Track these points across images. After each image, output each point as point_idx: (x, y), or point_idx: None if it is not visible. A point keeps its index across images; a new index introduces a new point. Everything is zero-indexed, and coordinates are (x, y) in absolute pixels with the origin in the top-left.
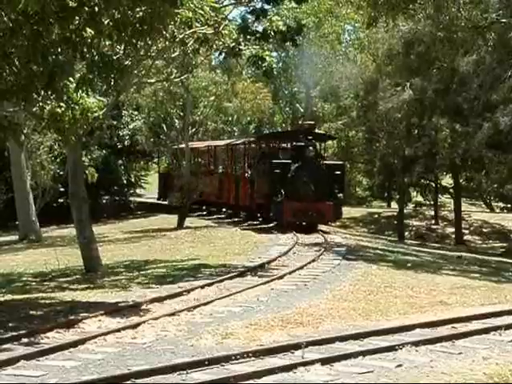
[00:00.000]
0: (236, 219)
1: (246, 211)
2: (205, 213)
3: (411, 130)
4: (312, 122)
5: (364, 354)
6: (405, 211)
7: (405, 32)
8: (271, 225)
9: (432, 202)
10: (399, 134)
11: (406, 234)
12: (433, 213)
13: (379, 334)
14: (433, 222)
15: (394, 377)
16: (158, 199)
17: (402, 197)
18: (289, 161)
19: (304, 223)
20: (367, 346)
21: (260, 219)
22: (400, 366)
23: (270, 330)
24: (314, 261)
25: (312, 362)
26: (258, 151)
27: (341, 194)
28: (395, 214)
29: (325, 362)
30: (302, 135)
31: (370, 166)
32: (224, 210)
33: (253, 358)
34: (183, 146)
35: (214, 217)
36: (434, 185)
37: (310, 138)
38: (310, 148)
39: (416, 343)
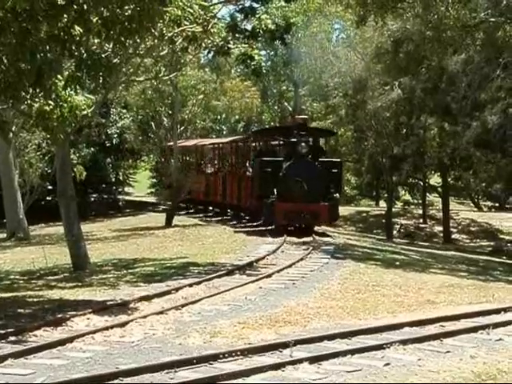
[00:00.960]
0: (225, 217)
1: (234, 211)
2: (192, 211)
3: (400, 128)
4: (305, 117)
5: (352, 352)
6: (393, 210)
7: (393, 31)
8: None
9: (420, 201)
10: (388, 132)
11: (395, 232)
12: (421, 211)
13: (367, 333)
14: (421, 220)
15: (382, 375)
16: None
17: (390, 195)
18: (281, 158)
19: (297, 226)
20: (355, 344)
21: (247, 217)
22: (388, 364)
23: (258, 328)
24: (302, 259)
25: (300, 361)
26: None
27: (337, 194)
28: (383, 212)
29: (313, 360)
30: (296, 130)
31: (358, 165)
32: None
33: (241, 357)
34: (193, 143)
35: (201, 215)
36: (422, 184)
37: (302, 133)
38: (303, 144)
39: (404, 342)
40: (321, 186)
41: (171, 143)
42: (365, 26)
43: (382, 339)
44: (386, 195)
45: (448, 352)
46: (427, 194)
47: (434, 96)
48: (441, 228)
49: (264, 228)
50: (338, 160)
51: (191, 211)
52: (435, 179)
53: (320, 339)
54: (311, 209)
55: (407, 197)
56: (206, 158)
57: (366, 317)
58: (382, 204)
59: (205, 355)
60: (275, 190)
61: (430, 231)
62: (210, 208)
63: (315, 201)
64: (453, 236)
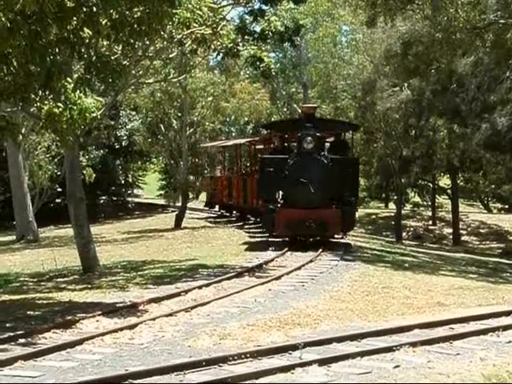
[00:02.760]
0: (233, 219)
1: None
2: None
3: (409, 130)
4: (313, 105)
5: (362, 354)
6: (402, 212)
7: (403, 32)
8: None
9: (429, 203)
10: (397, 134)
11: (404, 234)
12: (430, 213)
13: (377, 335)
14: (430, 222)
15: (392, 378)
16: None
17: (399, 197)
18: (285, 156)
19: (302, 237)
20: (365, 346)
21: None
22: (398, 366)
23: (267, 330)
24: (311, 261)
25: (310, 363)
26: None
27: (353, 198)
28: (393, 214)
29: (322, 362)
30: (309, 123)
31: (367, 167)
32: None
33: (250, 359)
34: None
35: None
36: (431, 186)
37: (308, 125)
38: (309, 138)
39: (414, 344)
40: (331, 187)
41: (208, 144)
42: (374, 27)
43: (392, 341)
44: (395, 197)
45: (458, 354)
46: (436, 196)
47: (444, 98)
48: (450, 230)
49: (267, 238)
50: (353, 158)
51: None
52: (444, 181)
53: (329, 341)
54: (318, 216)
55: (416, 199)
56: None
57: (376, 319)
58: (392, 206)
59: (214, 357)
60: (280, 193)
61: (439, 233)
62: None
63: (324, 206)
64: (462, 238)
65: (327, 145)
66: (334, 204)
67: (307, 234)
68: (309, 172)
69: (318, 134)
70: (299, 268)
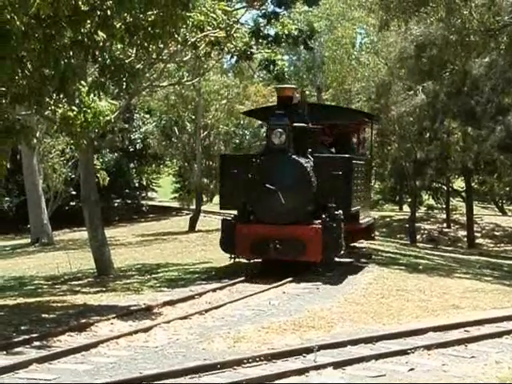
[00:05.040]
0: None
1: None
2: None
3: (423, 133)
4: (291, 86)
5: (376, 357)
6: (416, 214)
7: (417, 35)
8: None
9: (444, 206)
10: (411, 137)
11: (418, 237)
12: (445, 216)
13: (391, 338)
14: (445, 225)
15: (407, 381)
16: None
17: (413, 200)
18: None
19: (267, 261)
20: (379, 349)
21: None
22: (412, 369)
23: (281, 333)
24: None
25: (324, 366)
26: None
27: (339, 211)
28: (407, 217)
29: (337, 365)
30: (283, 110)
31: (381, 170)
32: None
33: (265, 362)
34: None
35: None
36: (445, 188)
37: (279, 112)
38: (279, 130)
39: (428, 347)
40: (312, 197)
41: None
42: (388, 30)
43: (406, 344)
44: (409, 200)
45: (472, 357)
46: (451, 199)
47: (458, 100)
48: (465, 232)
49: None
50: (345, 156)
51: None
52: (459, 183)
53: (344, 344)
54: (290, 234)
55: (431, 201)
56: None
57: (390, 322)
58: (406, 209)
59: (229, 360)
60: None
61: (453, 236)
62: None
63: (299, 221)
64: (477, 241)
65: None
66: (311, 217)
67: (271, 258)
68: (279, 176)
69: (301, 125)
70: (313, 271)
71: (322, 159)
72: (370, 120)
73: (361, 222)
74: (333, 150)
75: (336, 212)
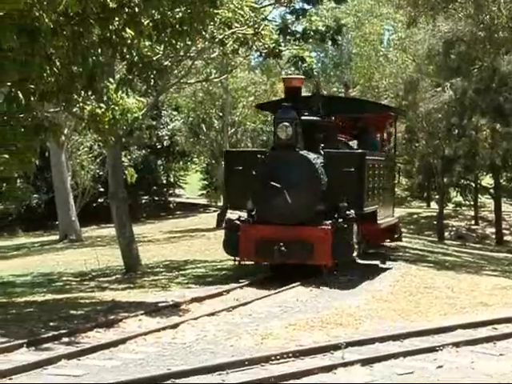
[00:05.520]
0: None
1: None
2: None
3: (451, 129)
4: (300, 77)
5: (404, 354)
6: (444, 211)
7: (445, 32)
8: None
9: (472, 203)
10: (439, 133)
11: (446, 234)
12: (473, 213)
13: (419, 335)
14: (473, 222)
15: (435, 378)
16: None
17: (441, 197)
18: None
19: (275, 264)
20: (407, 346)
21: None
22: (441, 367)
23: (309, 330)
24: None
25: (352, 363)
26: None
27: (351, 211)
28: (435, 214)
29: (365, 362)
30: (290, 102)
31: (409, 166)
32: None
33: (292, 359)
34: None
35: None
36: (473, 185)
37: (286, 104)
38: (285, 124)
39: (457, 344)
40: (321, 196)
41: None
42: (416, 27)
43: (435, 341)
44: (437, 197)
45: (501, 355)
46: (479, 196)
47: (486, 97)
48: (493, 230)
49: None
50: (357, 152)
51: None
52: (487, 180)
53: (372, 341)
54: (296, 236)
55: (459, 198)
56: None
57: (418, 319)
58: (434, 206)
59: (256, 357)
60: (248, 203)
61: (481, 233)
62: None
63: (308, 222)
64: (505, 238)
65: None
66: (321, 218)
67: (276, 262)
68: (285, 173)
69: (311, 118)
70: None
71: (334, 155)
72: (394, 114)
73: (379, 222)
74: (354, 146)
75: (348, 212)
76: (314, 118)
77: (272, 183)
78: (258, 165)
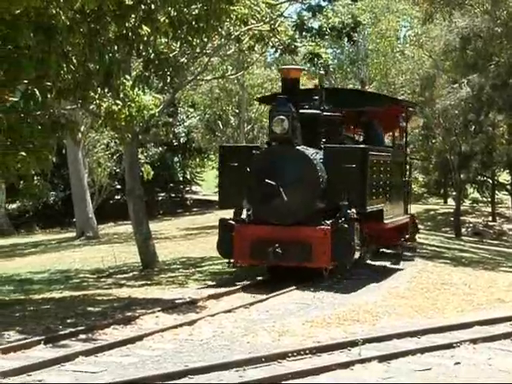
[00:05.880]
0: None
1: None
2: None
3: (468, 126)
4: (298, 67)
5: (422, 351)
6: (461, 208)
7: (461, 27)
8: None
9: (489, 199)
10: (456, 130)
11: (463, 230)
12: (490, 209)
13: (437, 332)
14: (490, 218)
15: (453, 374)
16: None
17: (458, 193)
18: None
19: (271, 266)
20: (425, 343)
21: None
22: (458, 363)
23: (326, 326)
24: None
25: (369, 360)
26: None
27: (352, 210)
28: (452, 210)
29: (382, 359)
30: (286, 94)
31: (426, 163)
32: None
33: (309, 356)
34: None
35: None
36: (490, 181)
37: (281, 97)
38: (280, 118)
39: (474, 341)
40: (320, 194)
41: None
42: (432, 23)
43: (452, 338)
44: (454, 193)
45: None
46: (496, 192)
47: (503, 93)
48: (510, 226)
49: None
50: (359, 147)
51: None
52: (504, 177)
53: (389, 338)
54: (292, 236)
55: (476, 195)
56: None
57: (435, 315)
58: (450, 202)
59: (274, 354)
60: (244, 202)
61: (499, 229)
62: None
63: (304, 221)
64: None
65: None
66: (319, 218)
67: (271, 264)
68: (281, 169)
69: (310, 111)
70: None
71: (334, 151)
72: (404, 107)
73: (386, 222)
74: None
75: (349, 211)
76: (315, 111)
77: (267, 180)
78: (253, 161)
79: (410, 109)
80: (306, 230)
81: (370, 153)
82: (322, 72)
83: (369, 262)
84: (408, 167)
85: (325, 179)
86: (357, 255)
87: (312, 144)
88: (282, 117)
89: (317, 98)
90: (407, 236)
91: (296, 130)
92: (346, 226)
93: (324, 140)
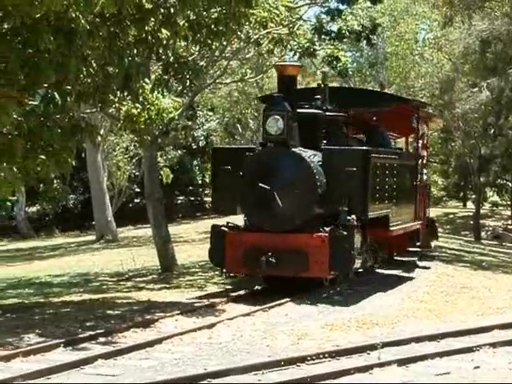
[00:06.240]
0: None
1: None
2: None
3: (488, 129)
4: (294, 64)
5: (441, 355)
6: (481, 211)
7: (481, 30)
8: None
9: (508, 202)
10: (475, 133)
11: (483, 234)
12: (509, 213)
13: (456, 335)
14: (509, 222)
15: (472, 378)
16: None
17: (478, 197)
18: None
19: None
20: (444, 347)
21: None
22: (477, 367)
23: (345, 330)
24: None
25: (388, 363)
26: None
27: (352, 216)
28: (471, 214)
29: (401, 362)
30: (283, 93)
31: (445, 166)
32: None
33: (329, 359)
34: None
35: None
36: (510, 184)
37: (278, 96)
38: (275, 118)
39: (494, 345)
40: (314, 198)
41: None
42: (451, 26)
43: (471, 342)
44: (473, 196)
45: None
46: None
47: None
48: None
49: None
50: (361, 149)
51: None
52: None
53: (408, 341)
54: (287, 244)
55: (495, 198)
56: None
57: (455, 319)
58: (470, 205)
59: (293, 357)
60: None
61: None
62: None
63: (300, 228)
64: None
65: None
66: (317, 225)
67: (264, 274)
68: (276, 173)
69: (309, 111)
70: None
71: (333, 153)
72: (415, 108)
73: (392, 229)
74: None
75: (348, 217)
76: (315, 110)
77: (260, 184)
78: (246, 163)
79: (424, 109)
80: (303, 238)
81: (373, 155)
82: (325, 70)
83: (379, 270)
84: (425, 170)
85: (323, 183)
86: (358, 264)
87: (311, 146)
88: (276, 116)
89: (319, 97)
90: (418, 243)
91: (292, 130)
92: (345, 233)
93: (325, 141)
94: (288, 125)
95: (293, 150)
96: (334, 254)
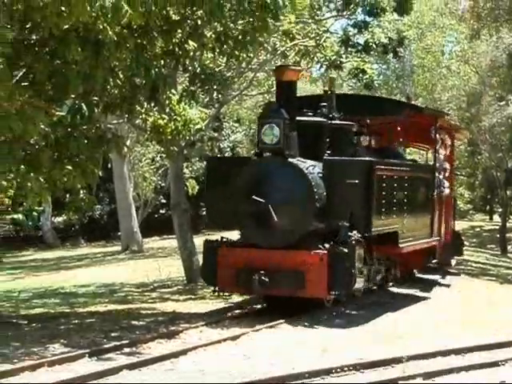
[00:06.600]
0: None
1: None
2: None
3: None
4: (296, 67)
5: (466, 369)
6: (507, 225)
7: (509, 43)
8: None
9: None
10: (502, 146)
11: (509, 247)
12: None
13: (482, 349)
14: None
15: None
16: None
17: (504, 210)
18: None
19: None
20: (470, 361)
21: None
22: (504, 382)
23: (369, 343)
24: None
25: (413, 377)
26: None
27: (354, 232)
28: (497, 227)
29: (426, 376)
30: (281, 100)
31: (471, 179)
32: None
33: (353, 372)
34: None
35: None
36: None
37: (275, 103)
38: (272, 126)
39: None
40: (312, 212)
41: None
42: (478, 39)
43: (497, 356)
44: (500, 210)
45: None
46: None
47: None
48: None
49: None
50: (364, 160)
51: None
52: None
53: (433, 355)
54: (283, 262)
55: None
56: None
57: (480, 333)
58: (496, 219)
59: (317, 370)
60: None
61: None
62: None
63: (297, 245)
64: None
65: None
66: (316, 242)
67: (256, 293)
68: (271, 185)
69: (311, 119)
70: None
71: (334, 164)
72: (432, 118)
73: (401, 245)
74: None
75: (350, 233)
76: (318, 118)
77: (254, 197)
78: (240, 175)
79: (443, 119)
80: (299, 255)
81: (378, 166)
82: (333, 75)
83: (394, 289)
84: (446, 183)
85: (323, 196)
86: (360, 284)
87: (313, 156)
88: (272, 125)
89: (325, 104)
90: (434, 260)
91: (289, 139)
92: (345, 250)
93: (329, 152)
94: (285, 133)
95: (289, 160)
96: (334, 273)
